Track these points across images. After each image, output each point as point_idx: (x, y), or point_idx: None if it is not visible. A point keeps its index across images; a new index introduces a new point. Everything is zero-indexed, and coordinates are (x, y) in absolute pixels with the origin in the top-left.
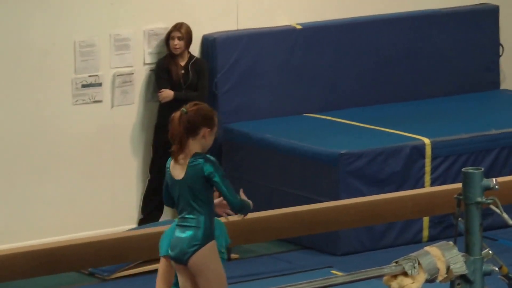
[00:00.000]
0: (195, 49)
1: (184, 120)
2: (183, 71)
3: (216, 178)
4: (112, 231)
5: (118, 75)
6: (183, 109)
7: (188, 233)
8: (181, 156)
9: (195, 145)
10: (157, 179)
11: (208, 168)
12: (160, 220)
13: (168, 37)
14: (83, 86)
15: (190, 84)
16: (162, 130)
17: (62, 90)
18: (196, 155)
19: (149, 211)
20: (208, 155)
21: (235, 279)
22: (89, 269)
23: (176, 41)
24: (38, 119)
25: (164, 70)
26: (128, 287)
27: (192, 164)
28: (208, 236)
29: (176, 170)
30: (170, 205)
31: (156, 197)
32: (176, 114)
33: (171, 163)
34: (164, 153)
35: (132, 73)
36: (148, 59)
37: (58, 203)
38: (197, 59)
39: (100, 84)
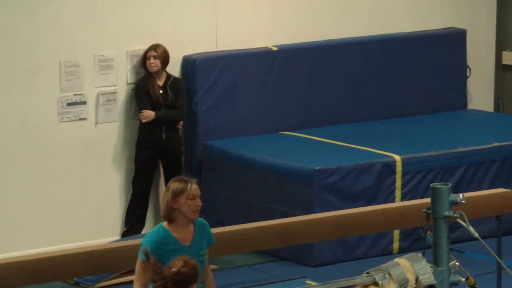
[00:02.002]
0: (175, 69)
1: (174, 279)
2: (161, 91)
3: None
4: (96, 243)
5: (102, 94)
6: (174, 269)
7: None
8: None
9: None
10: (139, 193)
11: None
12: (142, 232)
13: (145, 57)
14: (68, 104)
15: (169, 103)
16: (143, 146)
17: (48, 108)
18: None
19: (132, 224)
20: None
21: None
22: (74, 279)
23: (152, 60)
24: (25, 136)
25: (143, 90)
26: None
27: None
28: None
29: None
30: None
31: (138, 211)
32: (165, 272)
33: None
34: (145, 168)
35: (115, 92)
36: (131, 79)
37: (45, 216)
38: (174, 78)
39: (84, 103)
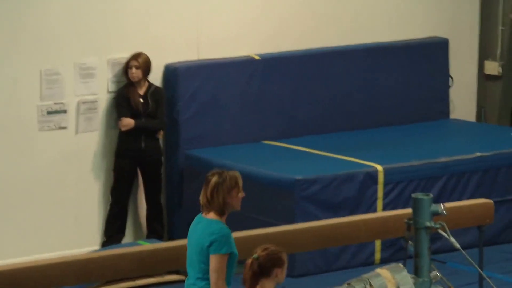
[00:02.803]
0: (157, 78)
1: (255, 265)
2: (142, 100)
3: None
4: (76, 253)
5: (82, 103)
6: (255, 255)
7: None
8: None
9: (269, 284)
10: (119, 203)
11: None
12: (122, 242)
13: (127, 66)
14: (49, 113)
15: (150, 112)
16: (122, 156)
17: (29, 116)
18: None
19: (111, 234)
20: None
21: None
22: None
23: (134, 70)
24: (5, 144)
25: (124, 98)
26: None
27: None
28: None
29: None
30: None
31: (117, 220)
32: (248, 261)
33: None
34: (125, 178)
35: (96, 101)
36: (112, 87)
37: (24, 226)
38: (155, 87)
39: (65, 111)
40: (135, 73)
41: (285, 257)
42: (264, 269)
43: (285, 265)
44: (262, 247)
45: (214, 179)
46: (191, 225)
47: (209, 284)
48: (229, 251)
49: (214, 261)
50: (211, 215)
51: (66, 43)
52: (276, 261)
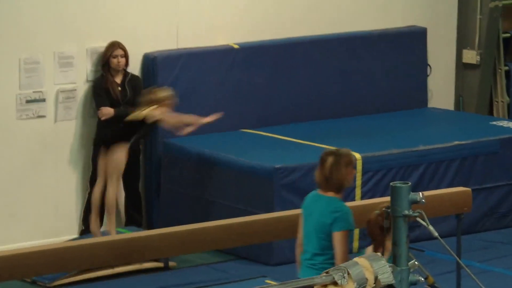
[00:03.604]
0: (136, 66)
1: (382, 218)
2: (120, 88)
3: None
4: (54, 241)
5: (61, 91)
6: (376, 211)
7: None
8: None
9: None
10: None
11: None
12: (101, 230)
13: (109, 56)
14: (28, 101)
15: (128, 101)
16: (100, 145)
17: (7, 105)
18: None
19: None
20: None
21: None
22: (32, 277)
23: (120, 59)
24: None
25: (102, 88)
26: None
27: None
28: None
29: None
30: None
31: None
32: (372, 216)
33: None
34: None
35: (75, 90)
36: (91, 76)
37: (2, 214)
38: (132, 75)
39: (44, 100)
40: (121, 61)
41: None
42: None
43: None
44: (378, 207)
45: (330, 159)
46: (306, 202)
47: (327, 259)
48: (351, 227)
49: (338, 237)
50: (330, 193)
51: (45, 32)
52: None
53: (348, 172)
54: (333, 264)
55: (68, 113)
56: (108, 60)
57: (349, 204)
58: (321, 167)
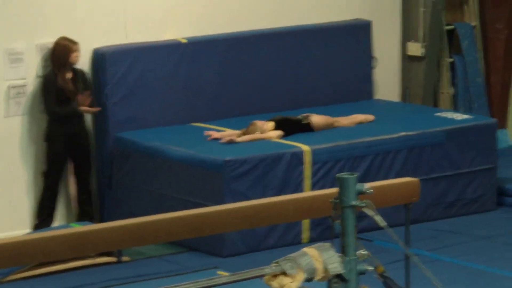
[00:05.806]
0: (85, 62)
1: None
2: (71, 84)
3: None
4: (7, 235)
5: (12, 87)
6: None
7: None
8: None
9: None
10: (51, 187)
11: None
12: (53, 225)
13: (72, 52)
14: None
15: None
16: (54, 141)
17: None
18: None
19: (45, 217)
20: None
21: (125, 280)
22: None
23: (77, 54)
24: None
25: (53, 84)
26: None
27: None
28: None
29: None
30: None
31: (50, 204)
32: None
33: None
34: (57, 162)
35: (25, 85)
36: (40, 72)
37: None
38: (79, 70)
39: None
40: (78, 56)
41: None
42: None
43: None
44: None
45: None
46: None
47: None
48: None
49: None
50: None
51: None
52: None
53: None
54: None
55: (18, 108)
56: (67, 56)
57: (298, 196)
58: None
